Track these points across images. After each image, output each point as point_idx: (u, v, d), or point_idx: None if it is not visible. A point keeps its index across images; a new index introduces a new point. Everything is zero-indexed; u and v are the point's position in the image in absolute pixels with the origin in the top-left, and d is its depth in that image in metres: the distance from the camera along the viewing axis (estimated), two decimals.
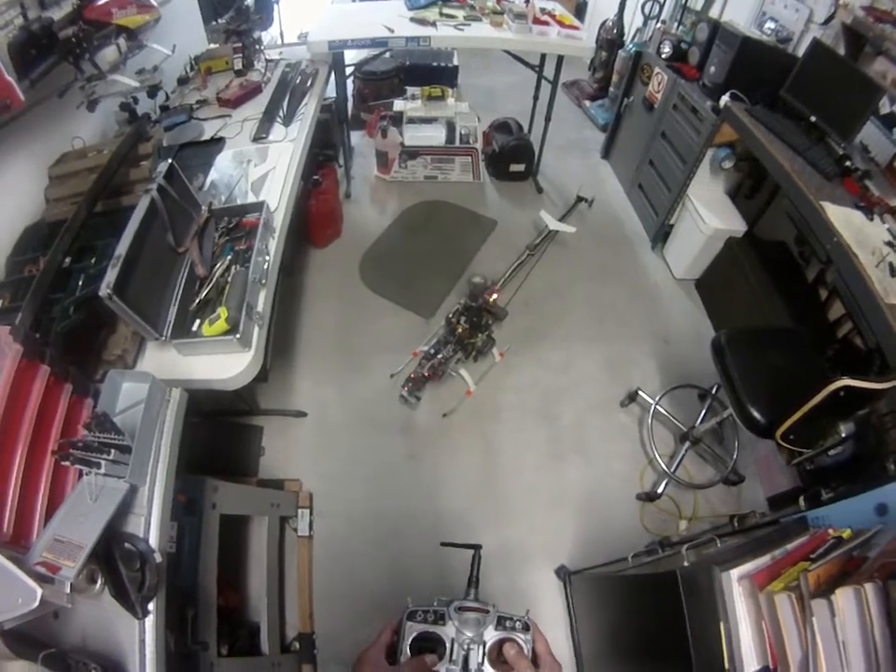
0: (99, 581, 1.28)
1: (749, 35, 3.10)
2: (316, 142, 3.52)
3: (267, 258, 2.12)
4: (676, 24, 4.22)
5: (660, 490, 2.62)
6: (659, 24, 4.30)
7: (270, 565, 2.21)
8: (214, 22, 3.52)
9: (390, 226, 3.90)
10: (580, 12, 5.93)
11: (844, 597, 1.15)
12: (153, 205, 1.86)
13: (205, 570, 1.81)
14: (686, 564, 1.57)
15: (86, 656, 1.18)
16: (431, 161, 4.15)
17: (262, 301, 2.01)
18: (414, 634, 0.75)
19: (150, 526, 1.39)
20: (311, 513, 2.53)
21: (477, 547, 0.96)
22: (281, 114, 2.94)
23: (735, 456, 2.71)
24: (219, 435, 2.71)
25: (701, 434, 2.74)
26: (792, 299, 2.94)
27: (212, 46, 3.50)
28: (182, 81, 3.27)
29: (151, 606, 1.31)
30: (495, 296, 3.01)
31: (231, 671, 1.81)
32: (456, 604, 0.77)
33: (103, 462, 1.35)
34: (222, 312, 1.84)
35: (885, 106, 2.63)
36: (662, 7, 4.59)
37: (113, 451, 1.36)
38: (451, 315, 2.92)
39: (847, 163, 2.54)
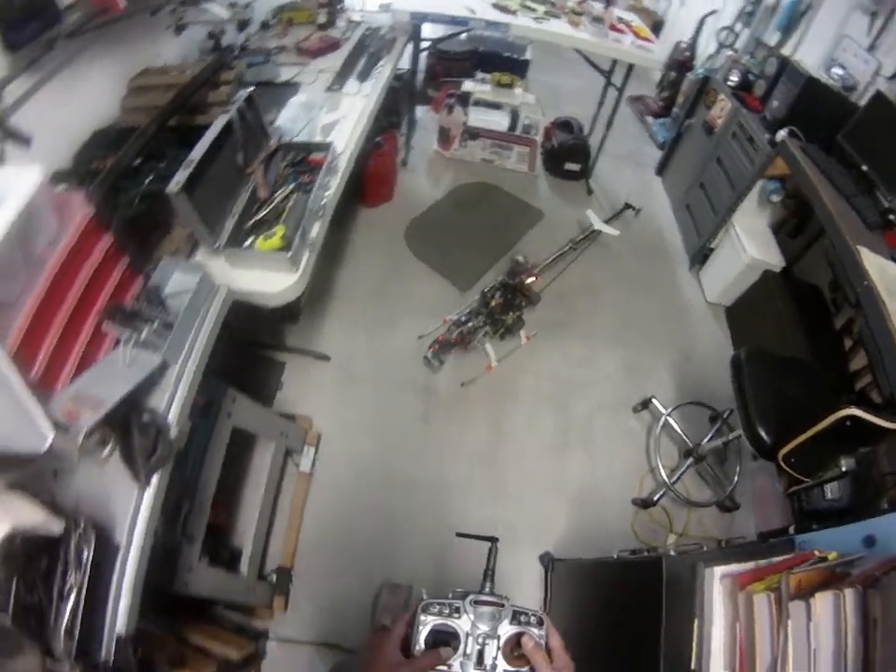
0: (108, 447, 1.29)
1: (817, 77, 3.07)
2: (382, 108, 3.50)
3: (327, 193, 2.13)
4: (748, 56, 4.14)
5: (656, 498, 2.58)
6: (731, 52, 4.21)
7: (266, 491, 2.21)
8: None
9: (441, 199, 3.89)
10: (656, 29, 5.77)
11: (822, 601, 1.13)
12: (230, 124, 1.88)
13: (207, 476, 1.82)
14: (672, 553, 1.55)
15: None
16: (490, 144, 4.12)
17: (316, 230, 2.02)
18: (429, 627, 0.73)
19: (173, 403, 1.41)
20: (316, 452, 2.53)
21: (493, 540, 0.93)
22: (357, 71, 2.92)
23: (734, 483, 2.68)
24: (243, 362, 2.70)
25: (706, 452, 2.70)
26: (818, 342, 2.89)
27: None
28: (264, 26, 3.25)
29: (155, 479, 1.31)
30: (532, 279, 2.98)
31: (207, 577, 1.80)
32: (472, 597, 0.75)
33: (145, 329, 1.37)
34: (279, 230, 1.88)
35: None
36: (737, 37, 4.50)
37: (156, 322, 1.40)
38: (487, 290, 2.89)
39: (892, 217, 2.49)
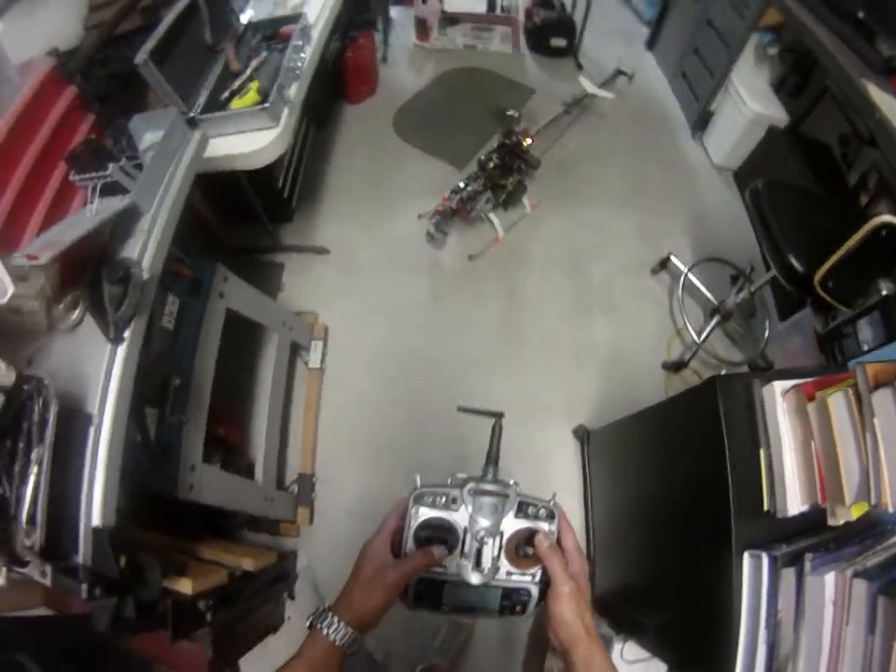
0: (78, 309, 1.03)
1: None
2: (355, 4, 3.13)
3: (303, 55, 1.92)
4: None
5: (687, 358, 2.25)
6: None
7: (274, 388, 1.88)
8: None
9: (426, 86, 3.42)
10: None
11: None
12: (195, 3, 1.75)
13: (203, 360, 1.49)
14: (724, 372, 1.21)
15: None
16: (471, 28, 3.60)
17: (295, 90, 1.83)
18: (420, 520, 0.59)
19: (147, 249, 1.14)
20: (324, 346, 2.19)
21: (498, 415, 0.71)
22: None
23: (765, 340, 2.35)
24: (238, 272, 2.34)
25: (732, 309, 2.36)
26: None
27: None
28: None
29: (127, 333, 1.03)
30: (529, 140, 2.55)
31: (216, 481, 1.50)
32: (472, 486, 0.59)
33: (111, 165, 1.13)
34: (253, 85, 1.73)
35: None
36: None
37: (123, 160, 1.16)
38: (483, 156, 2.47)
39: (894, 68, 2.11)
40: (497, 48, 3.68)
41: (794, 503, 0.96)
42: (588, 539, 1.87)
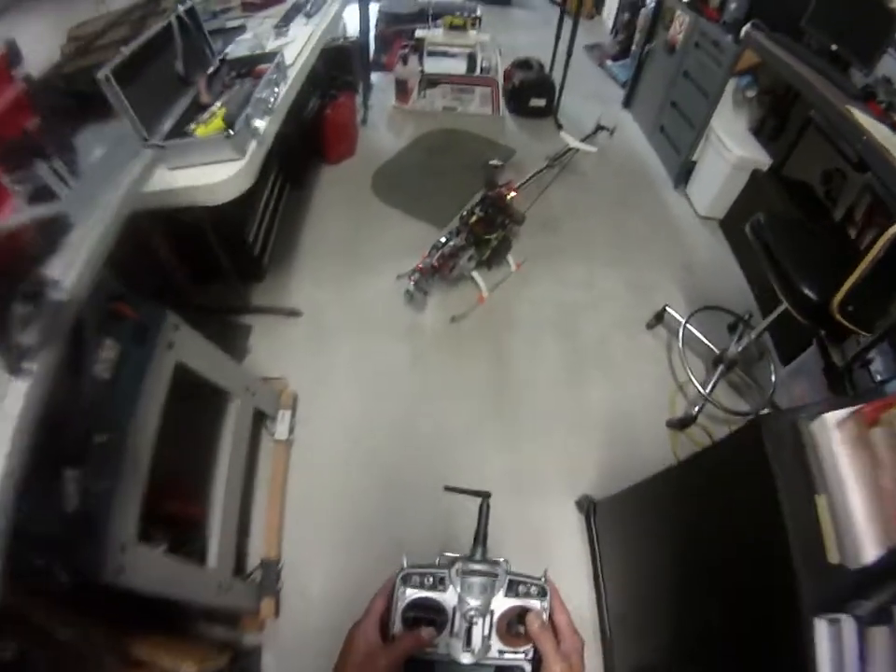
0: None
1: None
2: (336, 64, 3.15)
3: (276, 90, 1.82)
4: None
5: (695, 412, 2.03)
6: None
7: (233, 463, 1.62)
8: None
9: (406, 147, 3.33)
10: None
11: None
12: (169, 29, 1.68)
13: (143, 421, 1.24)
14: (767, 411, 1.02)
15: None
16: (451, 90, 3.57)
17: (266, 125, 1.67)
18: (408, 601, 0.54)
19: (72, 268, 0.97)
20: (293, 416, 1.95)
21: (485, 495, 0.68)
22: (304, 11, 2.48)
23: (773, 386, 2.14)
24: (202, 332, 2.13)
25: (736, 357, 2.15)
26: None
27: None
28: None
29: (34, 367, 0.84)
30: (512, 194, 2.40)
31: (153, 565, 1.21)
32: (459, 566, 0.55)
33: (41, 164, 1.01)
34: (219, 112, 1.60)
35: None
36: None
37: (54, 158, 1.04)
38: (464, 212, 2.31)
39: (872, 91, 2.17)
40: (476, 109, 3.64)
41: (868, 549, 0.77)
42: (602, 618, 1.60)
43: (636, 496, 1.52)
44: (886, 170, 1.78)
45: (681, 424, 2.04)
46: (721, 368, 2.15)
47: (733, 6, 2.80)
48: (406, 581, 0.55)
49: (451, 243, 2.21)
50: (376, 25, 4.14)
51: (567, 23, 3.39)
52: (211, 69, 1.88)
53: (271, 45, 2.16)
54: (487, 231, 2.28)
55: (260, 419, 1.89)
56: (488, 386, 2.14)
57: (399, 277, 2.30)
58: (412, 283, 2.17)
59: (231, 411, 1.64)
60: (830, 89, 2.13)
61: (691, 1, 3.18)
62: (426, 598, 0.55)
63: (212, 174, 1.47)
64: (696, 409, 2.03)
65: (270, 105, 1.72)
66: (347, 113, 3.10)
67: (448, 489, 0.78)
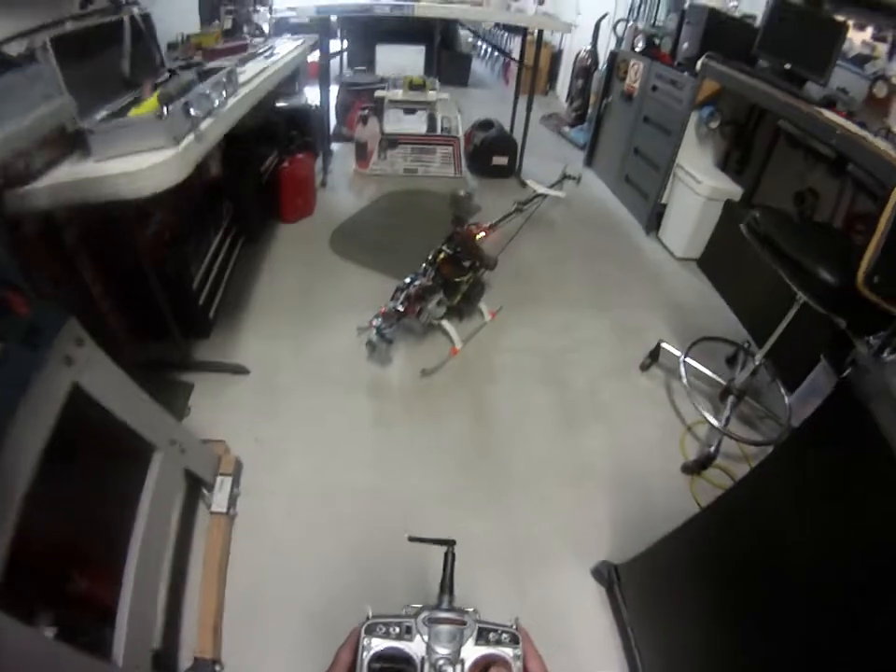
0: None
1: (718, 8, 2.87)
2: (296, 126, 3.11)
3: (223, 93, 1.66)
4: (649, 25, 3.79)
5: (713, 449, 1.75)
6: (631, 23, 3.78)
7: (153, 530, 1.22)
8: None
9: (366, 207, 3.16)
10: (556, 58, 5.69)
11: None
12: (121, 27, 1.64)
13: (14, 450, 0.87)
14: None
15: None
16: (412, 151, 3.47)
17: (207, 124, 1.48)
18: (374, 652, 0.49)
19: None
20: (235, 485, 1.58)
21: (449, 543, 0.65)
22: (263, 54, 2.42)
23: (789, 407, 1.91)
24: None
25: (745, 386, 1.92)
26: None
27: None
28: (172, 47, 2.61)
29: None
30: (482, 234, 2.17)
31: (35, 654, 0.81)
32: (426, 614, 0.51)
33: None
34: (154, 95, 1.43)
35: (851, 50, 2.38)
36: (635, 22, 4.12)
37: None
38: (430, 256, 2.08)
39: (832, 100, 2.23)
40: (438, 170, 3.54)
41: None
42: None
43: (673, 545, 1.21)
44: (865, 154, 1.78)
45: (700, 465, 1.74)
46: (731, 399, 1.91)
47: (685, 45, 2.88)
48: (371, 631, 0.51)
49: (416, 282, 1.95)
50: (337, 95, 4.12)
51: (523, 100, 3.44)
52: (159, 80, 1.77)
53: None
54: (456, 274, 2.04)
55: (196, 486, 1.52)
56: (470, 444, 1.81)
57: (359, 329, 1.99)
58: (373, 330, 1.87)
59: (153, 467, 1.27)
60: (794, 100, 2.14)
61: (643, 49, 3.26)
62: (393, 648, 0.51)
63: (139, 162, 1.26)
64: (714, 445, 1.75)
65: (214, 106, 1.55)
66: (305, 169, 2.94)
67: (412, 539, 0.73)
